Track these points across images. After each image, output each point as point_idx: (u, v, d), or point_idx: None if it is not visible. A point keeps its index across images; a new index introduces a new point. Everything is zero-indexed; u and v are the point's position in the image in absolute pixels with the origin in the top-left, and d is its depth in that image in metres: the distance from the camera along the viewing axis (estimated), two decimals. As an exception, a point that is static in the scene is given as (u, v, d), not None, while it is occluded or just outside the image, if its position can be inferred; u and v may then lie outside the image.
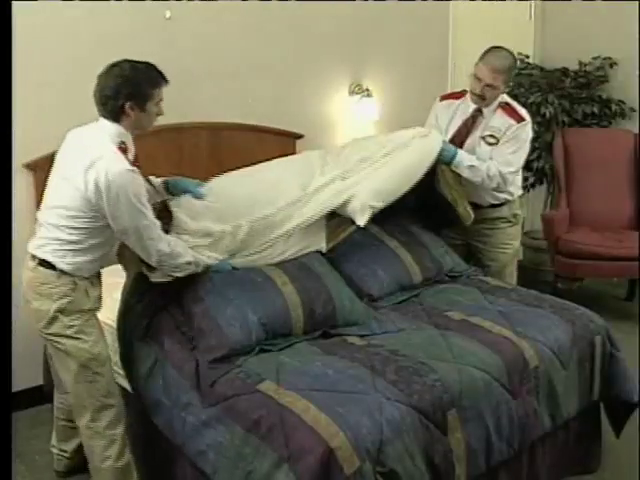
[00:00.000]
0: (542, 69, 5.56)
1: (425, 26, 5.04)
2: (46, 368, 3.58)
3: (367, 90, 4.68)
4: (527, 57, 5.66)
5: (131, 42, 3.67)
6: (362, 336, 2.85)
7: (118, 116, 2.52)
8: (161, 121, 3.72)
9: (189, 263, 2.68)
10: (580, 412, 3.01)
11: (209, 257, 2.84)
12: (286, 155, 4.35)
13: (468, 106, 3.63)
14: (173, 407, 2.64)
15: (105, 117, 2.54)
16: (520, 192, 3.78)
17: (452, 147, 3.49)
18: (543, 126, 5.24)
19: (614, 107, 5.30)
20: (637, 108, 5.28)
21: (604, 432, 3.18)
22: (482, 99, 3.53)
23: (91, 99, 3.55)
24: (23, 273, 2.64)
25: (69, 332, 2.58)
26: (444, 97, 3.83)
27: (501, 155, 3.52)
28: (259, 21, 4.14)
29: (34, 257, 2.59)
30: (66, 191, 2.50)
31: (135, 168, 2.49)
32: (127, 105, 2.50)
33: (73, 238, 2.53)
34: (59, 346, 2.61)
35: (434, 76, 5.22)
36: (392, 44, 4.84)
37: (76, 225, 2.51)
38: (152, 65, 2.60)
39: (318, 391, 2.39)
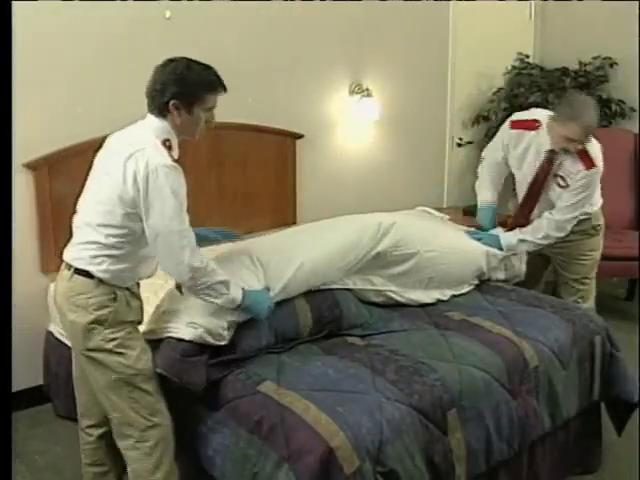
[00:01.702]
0: (542, 69, 5.57)
1: (425, 26, 5.05)
2: (46, 368, 3.59)
3: (367, 90, 4.68)
4: (527, 57, 5.67)
5: (131, 42, 3.68)
6: (363, 336, 2.85)
7: (163, 113, 2.36)
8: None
9: (223, 283, 2.43)
10: (580, 412, 3.00)
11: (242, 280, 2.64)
12: (285, 155, 4.38)
13: (541, 144, 3.38)
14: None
15: (152, 112, 2.39)
16: (600, 203, 3.60)
17: (495, 237, 3.43)
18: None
19: (614, 107, 5.30)
20: (637, 108, 5.29)
21: (604, 432, 3.18)
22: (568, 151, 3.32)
23: (92, 98, 3.59)
24: (57, 284, 2.49)
25: (110, 346, 2.36)
26: (515, 125, 3.50)
27: (566, 201, 3.38)
28: (259, 21, 4.14)
29: (69, 266, 2.41)
30: (103, 186, 2.34)
31: (178, 166, 2.33)
32: (172, 103, 2.34)
33: (110, 241, 2.34)
34: (99, 362, 2.38)
35: (434, 76, 5.23)
36: (392, 44, 4.85)
37: (113, 223, 2.32)
38: (211, 69, 2.43)
39: (318, 391, 2.39)
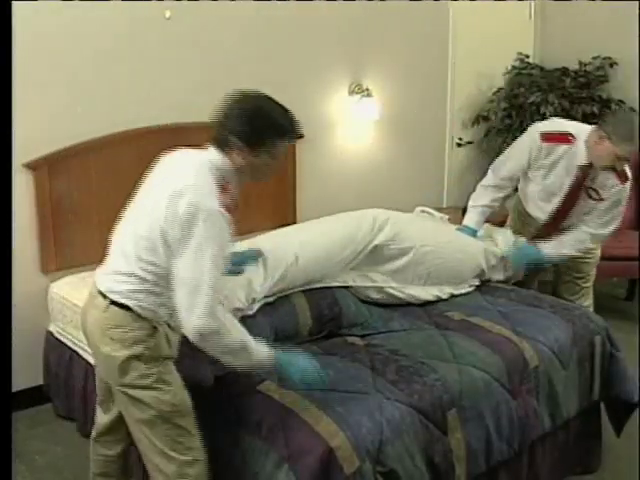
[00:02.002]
0: (542, 69, 5.56)
1: (425, 25, 5.05)
2: (46, 368, 3.59)
3: (367, 90, 4.67)
4: (527, 57, 5.67)
5: (131, 42, 3.68)
6: (362, 336, 2.86)
7: (225, 149, 2.18)
8: (159, 121, 3.77)
9: (241, 345, 2.16)
10: (580, 412, 3.01)
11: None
12: (285, 155, 4.35)
13: (575, 156, 3.29)
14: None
15: (213, 145, 2.21)
16: None
17: (538, 252, 3.41)
18: (543, 126, 5.25)
19: (614, 107, 5.29)
20: (637, 108, 5.28)
21: (604, 432, 3.18)
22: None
23: (92, 98, 3.59)
24: (87, 311, 2.32)
25: (147, 382, 2.20)
26: (547, 137, 3.34)
27: (601, 216, 3.38)
28: (259, 21, 4.14)
29: (104, 296, 2.22)
30: (148, 218, 2.15)
31: (227, 214, 2.12)
32: (234, 140, 2.15)
33: (151, 278, 2.17)
34: (135, 398, 2.23)
35: (434, 76, 5.23)
36: (392, 43, 4.84)
37: (155, 261, 2.14)
38: (287, 112, 2.22)
39: (318, 391, 2.39)
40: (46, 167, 3.46)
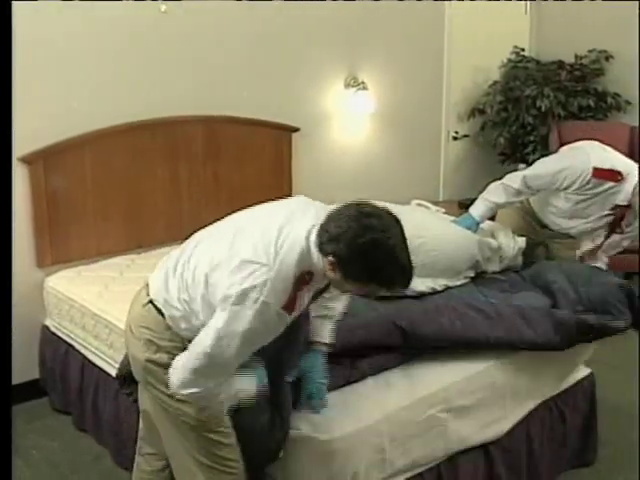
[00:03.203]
0: (538, 62, 5.57)
1: (421, 19, 5.04)
2: (42, 362, 3.59)
3: (363, 83, 4.67)
4: (523, 50, 5.67)
5: (126, 36, 3.67)
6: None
7: (321, 249, 1.88)
8: (154, 115, 3.76)
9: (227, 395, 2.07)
10: (577, 407, 3.03)
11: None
12: (281, 148, 4.37)
13: (617, 195, 3.28)
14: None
15: (316, 238, 1.89)
16: None
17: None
18: (539, 119, 5.25)
19: (610, 100, 5.30)
20: (632, 101, 5.29)
21: (600, 425, 3.19)
22: None
23: (87, 92, 3.58)
24: (134, 303, 2.22)
25: (170, 391, 2.06)
26: (600, 175, 3.25)
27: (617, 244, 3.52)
28: (254, 14, 4.12)
29: (148, 293, 2.15)
30: (203, 268, 1.99)
31: (285, 314, 1.91)
32: (330, 259, 1.86)
33: (178, 314, 2.07)
34: (155, 397, 2.17)
35: (430, 69, 5.23)
36: (388, 37, 4.84)
37: (193, 306, 2.03)
38: (405, 270, 1.89)
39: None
40: (41, 161, 3.45)
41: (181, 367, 1.96)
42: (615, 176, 3.24)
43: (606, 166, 3.27)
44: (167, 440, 2.24)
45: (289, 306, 1.90)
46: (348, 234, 1.82)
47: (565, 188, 3.33)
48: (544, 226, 3.61)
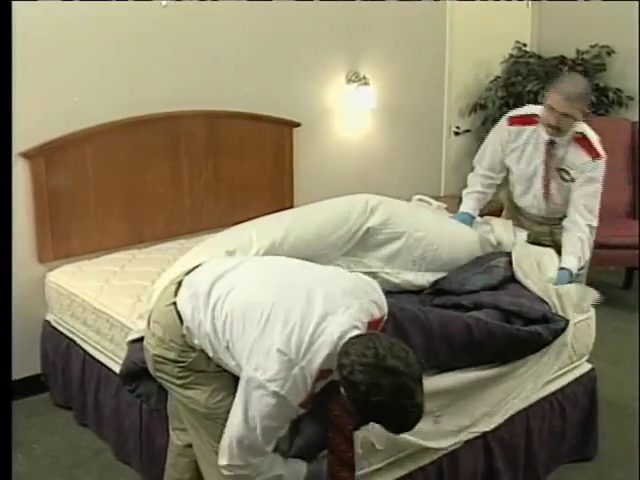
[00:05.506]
0: (540, 57, 5.56)
1: (422, 14, 5.03)
2: (43, 357, 3.59)
3: (364, 78, 4.66)
4: (524, 45, 5.66)
5: (126, 31, 3.67)
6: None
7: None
8: (155, 110, 3.76)
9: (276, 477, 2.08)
10: (576, 401, 3.02)
11: None
12: (282, 143, 4.36)
13: (539, 136, 3.31)
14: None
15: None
16: None
17: (566, 274, 3.22)
18: (540, 115, 5.24)
19: (611, 95, 5.29)
20: (634, 96, 5.28)
21: (601, 419, 3.19)
22: (558, 130, 3.20)
23: (87, 87, 3.58)
24: (161, 297, 2.26)
25: (178, 382, 2.15)
26: (514, 121, 3.40)
27: (578, 199, 3.27)
28: (256, 9, 4.12)
29: (176, 292, 2.18)
30: (234, 326, 2.01)
31: (302, 408, 1.96)
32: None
33: (196, 335, 2.12)
34: (169, 389, 2.24)
35: (431, 64, 5.22)
36: (389, 32, 4.83)
37: (208, 341, 2.08)
38: (408, 414, 1.84)
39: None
40: (42, 156, 3.45)
41: (227, 445, 1.99)
42: (530, 119, 3.34)
43: (521, 114, 3.42)
44: (187, 427, 2.27)
45: (304, 404, 1.94)
46: (361, 388, 1.78)
47: (502, 153, 3.44)
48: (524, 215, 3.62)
